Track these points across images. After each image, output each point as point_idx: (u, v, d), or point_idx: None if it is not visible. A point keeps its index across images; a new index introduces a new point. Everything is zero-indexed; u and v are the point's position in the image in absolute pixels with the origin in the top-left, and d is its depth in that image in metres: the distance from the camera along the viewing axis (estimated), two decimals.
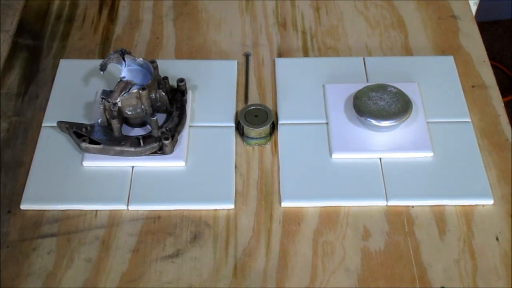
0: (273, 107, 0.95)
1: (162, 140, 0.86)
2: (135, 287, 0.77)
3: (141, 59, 0.89)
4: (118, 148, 0.86)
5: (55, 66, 1.00)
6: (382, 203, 0.84)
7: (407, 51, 1.03)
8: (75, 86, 0.97)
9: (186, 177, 0.86)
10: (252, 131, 0.90)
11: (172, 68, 0.96)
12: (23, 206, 0.84)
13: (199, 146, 0.90)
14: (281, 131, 0.92)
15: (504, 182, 0.86)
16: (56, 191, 0.85)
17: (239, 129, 0.92)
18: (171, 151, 0.87)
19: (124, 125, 0.90)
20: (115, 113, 0.85)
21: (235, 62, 1.01)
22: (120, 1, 1.11)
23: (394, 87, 0.91)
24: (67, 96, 0.95)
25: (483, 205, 0.84)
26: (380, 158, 0.88)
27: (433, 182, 0.86)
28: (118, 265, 0.79)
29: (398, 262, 0.79)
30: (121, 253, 0.80)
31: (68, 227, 0.82)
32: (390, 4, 1.11)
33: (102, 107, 0.86)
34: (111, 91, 0.85)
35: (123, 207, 0.84)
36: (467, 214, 0.83)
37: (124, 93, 0.85)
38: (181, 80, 0.92)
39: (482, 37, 1.05)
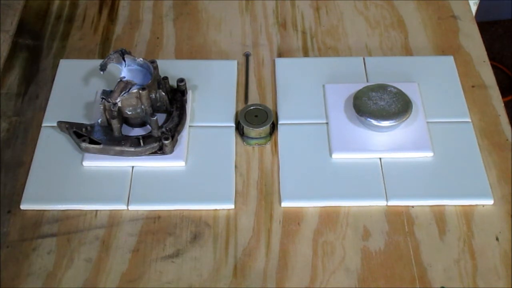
0: (273, 107, 0.95)
1: (162, 140, 0.86)
2: (135, 287, 0.77)
3: (141, 59, 0.89)
4: (118, 148, 0.86)
5: (55, 66, 1.00)
6: (382, 203, 0.84)
7: (407, 51, 1.03)
8: (75, 86, 0.97)
9: (186, 177, 0.86)
10: (252, 131, 0.90)
11: (172, 68, 0.96)
12: (23, 206, 0.84)
13: (199, 146, 0.90)
14: (281, 131, 0.92)
15: (504, 182, 0.86)
16: (56, 191, 0.85)
17: (239, 129, 0.92)
18: (171, 151, 0.87)
19: (124, 125, 0.90)
20: (115, 113, 0.85)
21: (235, 62, 1.01)
22: (120, 1, 1.11)
23: (394, 87, 0.91)
24: (67, 96, 0.95)
25: (483, 205, 0.84)
26: (380, 158, 0.88)
27: (433, 182, 0.86)
28: (118, 265, 0.79)
29: (398, 262, 0.79)
30: (121, 253, 0.80)
31: (68, 227, 0.82)
32: (390, 4, 1.11)
33: (102, 107, 0.86)
34: (111, 91, 0.85)
35: (123, 207, 0.84)
36: (467, 214, 0.83)
37: (124, 93, 0.85)
38: (181, 80, 0.92)
39: (482, 37, 1.05)
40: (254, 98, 0.96)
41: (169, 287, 0.77)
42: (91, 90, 0.95)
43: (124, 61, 0.89)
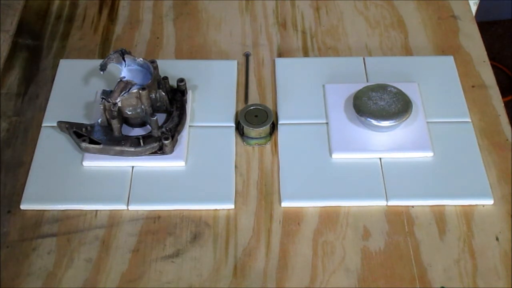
0: (273, 107, 0.95)
1: (162, 140, 0.86)
2: (135, 287, 0.77)
3: (141, 59, 0.89)
4: (118, 148, 0.86)
5: (55, 66, 1.00)
6: (382, 203, 0.84)
7: (407, 51, 1.03)
8: (75, 86, 0.97)
9: (186, 177, 0.86)
10: (252, 131, 0.90)
11: (172, 68, 0.96)
12: (23, 206, 0.84)
13: (199, 146, 0.90)
14: (281, 131, 0.92)
15: (504, 182, 0.86)
16: (56, 191, 0.85)
17: (239, 129, 0.92)
18: (171, 151, 0.87)
19: (124, 125, 0.90)
20: (115, 113, 0.85)
21: (235, 62, 1.01)
22: (120, 1, 1.11)
23: (394, 87, 0.91)
24: (67, 96, 0.95)
25: (483, 205, 0.84)
26: (380, 158, 0.88)
27: (433, 182, 0.86)
28: (118, 265, 0.79)
29: (398, 262, 0.79)
30: (121, 253, 0.80)
31: (68, 227, 0.82)
32: (390, 4, 1.11)
33: (102, 107, 0.86)
34: (111, 91, 0.85)
35: (123, 207, 0.84)
36: (467, 214, 0.83)
37: (124, 93, 0.85)
38: (181, 80, 0.92)
39: (482, 37, 1.05)
40: (254, 98, 0.96)
41: (169, 287, 0.77)
42: (91, 90, 0.95)
43: (124, 61, 0.89)
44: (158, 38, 1.05)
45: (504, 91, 1.26)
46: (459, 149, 0.89)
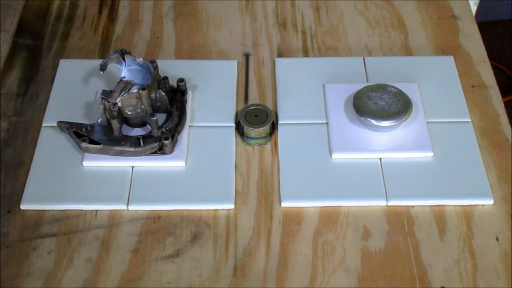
0: (273, 107, 0.95)
1: (162, 140, 0.86)
2: (135, 287, 0.77)
3: (141, 59, 0.89)
4: (118, 148, 0.86)
5: (55, 66, 1.00)
6: (382, 203, 0.84)
7: (407, 51, 1.03)
8: (75, 86, 0.97)
9: (186, 177, 0.86)
10: (252, 131, 0.90)
11: (172, 68, 0.96)
12: (23, 206, 0.84)
13: (199, 146, 0.90)
14: (281, 131, 0.92)
15: (504, 182, 0.86)
16: (56, 191, 0.85)
17: (239, 129, 0.92)
18: (171, 151, 0.87)
19: (124, 125, 0.90)
20: (115, 113, 0.85)
21: (235, 62, 1.01)
22: (120, 1, 1.11)
23: (394, 87, 0.91)
24: (67, 96, 0.95)
25: (483, 205, 0.84)
26: (380, 158, 0.88)
27: (433, 182, 0.86)
28: (118, 265, 0.79)
29: (398, 262, 0.79)
30: (121, 253, 0.80)
31: (68, 227, 0.82)
32: (390, 4, 1.11)
33: (102, 107, 0.86)
34: (111, 91, 0.85)
35: (123, 207, 0.84)
36: (467, 214, 0.83)
37: (124, 93, 0.85)
38: (181, 80, 0.92)
39: (482, 37, 1.05)
40: (254, 98, 0.96)
41: (169, 287, 0.77)
42: (91, 90, 0.95)
43: (124, 61, 0.89)
44: (158, 38, 1.05)
45: (504, 91, 1.26)
46: (459, 149, 0.89)
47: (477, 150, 0.89)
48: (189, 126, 0.91)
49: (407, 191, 0.85)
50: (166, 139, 0.86)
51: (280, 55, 1.03)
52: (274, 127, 0.93)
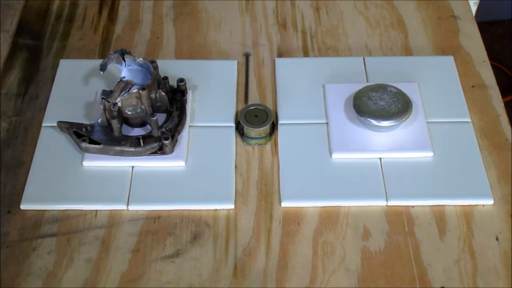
0: (273, 107, 0.95)
1: (162, 140, 0.86)
2: (135, 287, 0.77)
3: (141, 59, 0.89)
4: (118, 148, 0.86)
5: (55, 66, 1.00)
6: (382, 203, 0.84)
7: (407, 51, 1.03)
8: (75, 86, 0.97)
9: (186, 177, 0.86)
10: (252, 131, 0.90)
11: (172, 68, 0.96)
12: (23, 206, 0.84)
13: (199, 146, 0.90)
14: (281, 131, 0.92)
15: (504, 182, 0.86)
16: (56, 191, 0.85)
17: (239, 129, 0.92)
18: (171, 151, 0.87)
19: (124, 125, 0.90)
20: (115, 113, 0.85)
21: (235, 62, 1.01)
22: (120, 1, 1.11)
23: (394, 87, 0.91)
24: (67, 96, 0.95)
25: (483, 205, 0.84)
26: (380, 158, 0.88)
27: (433, 182, 0.86)
28: (118, 265, 0.79)
29: (398, 262, 0.79)
30: (121, 253, 0.80)
31: (68, 227, 0.82)
32: (390, 4, 1.11)
33: (102, 107, 0.86)
34: (111, 91, 0.85)
35: (123, 207, 0.84)
36: (467, 214, 0.83)
37: (124, 93, 0.85)
38: (181, 80, 0.92)
39: (482, 37, 1.05)
40: (254, 98, 0.96)
41: (169, 287, 0.77)
42: (91, 90, 0.95)
43: (124, 61, 0.89)
44: (158, 38, 1.05)
45: (504, 91, 1.26)
46: (459, 149, 0.89)
47: (477, 150, 0.89)
48: (189, 126, 0.91)
49: (407, 191, 0.85)
50: (166, 139, 0.86)
51: (280, 55, 1.03)
52: (274, 127, 0.93)
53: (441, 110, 0.93)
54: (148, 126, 0.89)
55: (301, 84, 0.97)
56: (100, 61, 0.89)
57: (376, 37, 1.05)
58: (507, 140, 0.91)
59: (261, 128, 0.90)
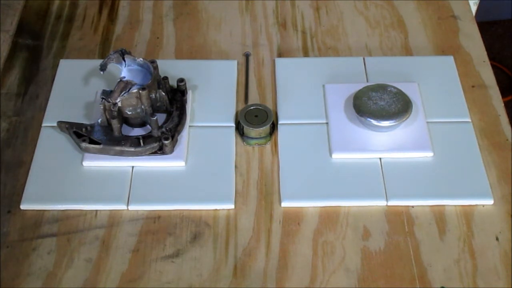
0: (273, 107, 0.95)
1: (162, 140, 0.86)
2: (135, 287, 0.77)
3: (141, 59, 0.89)
4: (118, 148, 0.86)
5: (55, 66, 1.00)
6: (382, 203, 0.84)
7: (407, 51, 1.03)
8: (75, 86, 0.97)
9: (186, 177, 0.86)
10: (252, 131, 0.90)
11: (172, 68, 0.96)
12: (23, 206, 0.84)
13: (199, 146, 0.90)
14: (281, 131, 0.92)
15: (504, 182, 0.86)
16: (56, 191, 0.85)
17: (239, 129, 0.92)
18: (171, 151, 0.88)
19: (124, 125, 0.90)
20: (115, 113, 0.85)
21: (235, 62, 1.01)
22: (120, 1, 1.11)
23: (394, 87, 0.91)
24: (67, 96, 0.95)
25: (483, 205, 0.84)
26: (380, 158, 0.88)
27: (433, 182, 0.86)
28: (118, 265, 0.79)
29: (398, 262, 0.79)
30: (121, 253, 0.80)
31: (68, 227, 0.82)
32: (390, 4, 1.11)
33: (102, 107, 0.86)
34: (111, 91, 0.85)
35: (123, 207, 0.84)
36: (467, 214, 0.83)
37: (124, 93, 0.85)
38: (181, 80, 0.92)
39: (482, 37, 1.05)
40: (254, 98, 0.96)
41: (169, 287, 0.77)
42: (91, 90, 0.95)
43: (124, 61, 0.89)
44: (158, 38, 1.05)
45: (504, 91, 1.26)
46: (459, 149, 0.89)
47: (477, 150, 0.89)
48: (189, 126, 0.91)
49: (407, 191, 0.85)
50: (166, 139, 0.86)
51: (280, 55, 1.03)
52: (274, 127, 0.93)
53: (441, 110, 0.93)
54: (148, 126, 0.89)
55: (301, 84, 0.97)
56: (100, 61, 0.89)
57: (376, 37, 1.05)
58: (507, 140, 0.91)
59: (261, 128, 0.90)
